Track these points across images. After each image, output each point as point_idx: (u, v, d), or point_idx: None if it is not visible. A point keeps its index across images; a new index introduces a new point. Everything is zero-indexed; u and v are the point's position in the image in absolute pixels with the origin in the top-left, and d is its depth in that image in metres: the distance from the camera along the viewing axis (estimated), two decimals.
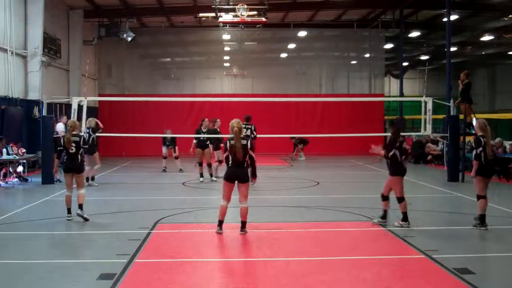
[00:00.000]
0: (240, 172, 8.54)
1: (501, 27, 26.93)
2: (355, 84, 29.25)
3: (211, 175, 15.58)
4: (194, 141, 15.66)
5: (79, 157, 9.71)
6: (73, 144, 9.61)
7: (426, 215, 9.96)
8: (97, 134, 15.24)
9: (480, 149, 8.96)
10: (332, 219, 10.10)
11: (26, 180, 15.46)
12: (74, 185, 9.78)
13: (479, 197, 9.00)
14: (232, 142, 8.51)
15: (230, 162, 8.56)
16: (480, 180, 9.02)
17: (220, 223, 8.58)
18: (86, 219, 9.51)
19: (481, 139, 9.02)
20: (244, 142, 8.54)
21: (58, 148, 10.04)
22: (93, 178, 14.68)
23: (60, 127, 17.26)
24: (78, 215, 9.52)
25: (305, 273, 6.57)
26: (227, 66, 30.37)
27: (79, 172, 9.75)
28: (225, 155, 8.69)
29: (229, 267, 7.04)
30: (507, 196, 13.09)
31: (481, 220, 8.95)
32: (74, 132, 9.81)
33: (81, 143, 9.75)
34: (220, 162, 15.09)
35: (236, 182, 8.56)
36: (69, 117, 16.73)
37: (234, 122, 8.64)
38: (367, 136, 23.19)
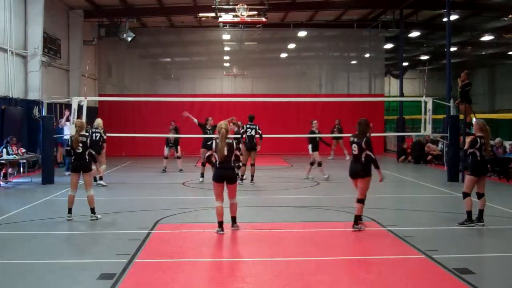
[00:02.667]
0: (228, 173, 8.71)
1: (501, 27, 26.93)
2: (355, 84, 29.22)
3: None
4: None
5: (86, 156, 9.78)
6: (80, 144, 9.72)
7: (426, 215, 9.97)
8: (108, 134, 15.29)
9: (473, 149, 9.14)
10: (332, 219, 10.10)
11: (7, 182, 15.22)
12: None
13: (465, 194, 9.16)
14: (218, 141, 8.69)
15: (217, 163, 8.70)
16: (470, 179, 9.18)
17: (220, 224, 8.64)
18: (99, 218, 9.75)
19: (478, 139, 9.15)
20: (229, 141, 8.72)
21: (65, 148, 10.19)
22: (101, 178, 14.68)
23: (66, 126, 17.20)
24: (92, 220, 9.65)
25: (305, 273, 6.57)
26: (227, 66, 30.35)
27: (87, 171, 9.81)
28: (208, 153, 8.86)
29: (229, 267, 7.04)
30: (507, 196, 13.10)
31: (469, 217, 9.10)
32: (82, 133, 9.92)
33: (88, 143, 9.85)
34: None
35: (225, 182, 8.71)
36: (67, 118, 16.76)
37: (222, 123, 8.87)
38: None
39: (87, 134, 10.44)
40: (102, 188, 14.03)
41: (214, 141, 8.84)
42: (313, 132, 15.98)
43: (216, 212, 8.66)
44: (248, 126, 15.05)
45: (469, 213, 9.09)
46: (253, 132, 14.91)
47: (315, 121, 16.20)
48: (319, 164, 15.82)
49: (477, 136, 9.26)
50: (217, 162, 8.67)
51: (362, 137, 8.82)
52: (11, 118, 17.14)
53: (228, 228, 8.83)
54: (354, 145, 8.88)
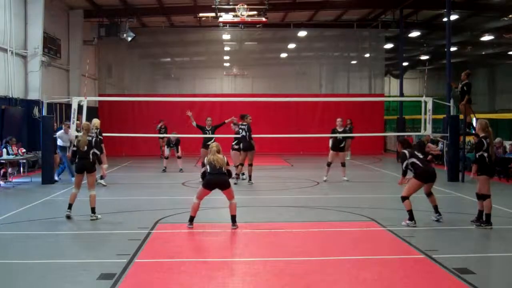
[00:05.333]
0: (221, 179, 8.89)
1: (501, 27, 26.92)
2: (355, 84, 29.22)
3: None
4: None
5: (90, 156, 9.83)
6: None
7: (426, 215, 9.95)
8: (104, 134, 15.26)
9: (482, 151, 9.09)
10: (332, 219, 10.10)
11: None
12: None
13: (485, 196, 9.06)
14: (210, 156, 8.99)
15: (209, 170, 8.89)
16: (486, 180, 9.12)
17: (192, 218, 8.99)
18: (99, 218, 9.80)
19: (484, 141, 9.10)
20: (220, 156, 8.96)
21: (72, 149, 10.24)
22: (101, 177, 14.66)
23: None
24: (92, 219, 9.68)
25: (305, 273, 6.57)
26: (227, 66, 30.34)
27: (91, 171, 9.86)
28: (203, 169, 9.16)
29: (229, 267, 7.04)
30: (507, 196, 13.10)
31: (488, 219, 9.05)
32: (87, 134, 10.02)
33: (93, 143, 9.99)
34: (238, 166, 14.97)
35: (219, 188, 8.94)
36: (68, 119, 16.72)
37: (214, 144, 9.29)
38: (367, 136, 23.31)
39: (92, 135, 10.56)
40: (102, 188, 14.02)
41: (206, 158, 9.12)
42: (334, 131, 15.61)
43: (191, 207, 9.00)
44: (239, 126, 14.89)
45: (489, 216, 9.04)
46: (244, 133, 14.71)
47: (339, 119, 15.78)
48: (328, 164, 15.54)
49: (481, 137, 9.22)
50: (209, 170, 8.88)
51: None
52: (11, 118, 17.15)
53: (228, 228, 8.86)
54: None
